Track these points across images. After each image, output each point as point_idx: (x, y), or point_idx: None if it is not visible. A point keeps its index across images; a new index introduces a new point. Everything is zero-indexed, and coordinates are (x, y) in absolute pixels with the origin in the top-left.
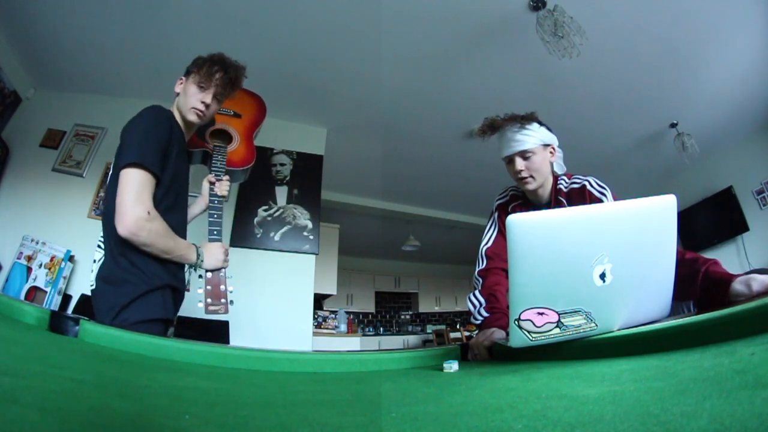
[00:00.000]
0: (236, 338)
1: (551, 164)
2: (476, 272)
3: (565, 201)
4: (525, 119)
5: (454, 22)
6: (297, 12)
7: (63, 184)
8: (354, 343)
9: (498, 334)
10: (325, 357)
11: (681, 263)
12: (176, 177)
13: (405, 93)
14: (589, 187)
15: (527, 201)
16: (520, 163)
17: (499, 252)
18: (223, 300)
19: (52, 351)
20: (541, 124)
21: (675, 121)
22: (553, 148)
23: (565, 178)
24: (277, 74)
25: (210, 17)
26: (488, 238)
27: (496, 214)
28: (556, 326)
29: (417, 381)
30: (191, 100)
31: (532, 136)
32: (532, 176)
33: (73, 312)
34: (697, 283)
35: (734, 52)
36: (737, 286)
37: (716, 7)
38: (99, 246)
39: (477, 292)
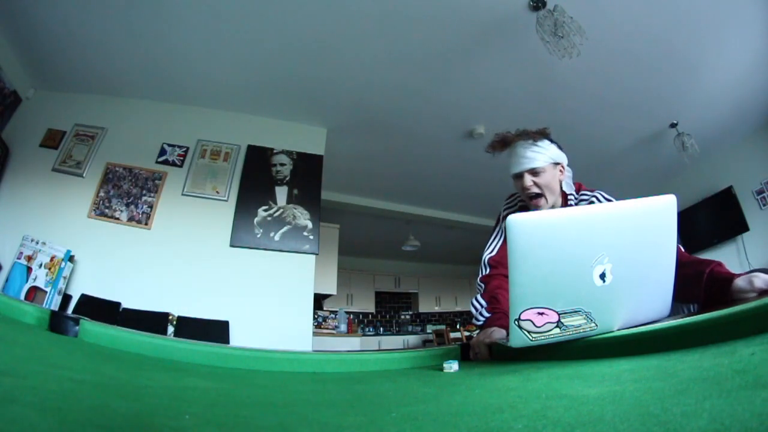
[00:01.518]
0: (236, 338)
1: (560, 183)
2: (479, 279)
3: None
4: (537, 136)
5: (454, 22)
6: (297, 12)
7: (63, 184)
8: (354, 343)
9: (498, 333)
10: (325, 357)
11: (685, 265)
12: None
13: (405, 93)
14: (597, 203)
15: None
16: (528, 180)
17: (503, 261)
18: None
19: (52, 351)
20: (552, 141)
21: (675, 121)
22: (563, 167)
23: (574, 193)
24: (277, 74)
25: (209, 17)
26: (493, 246)
27: (503, 224)
28: (556, 326)
29: (417, 381)
30: None
31: (543, 154)
32: (543, 196)
33: (73, 312)
34: (701, 284)
35: (734, 53)
36: (740, 282)
37: (716, 7)
38: None
39: (479, 296)
